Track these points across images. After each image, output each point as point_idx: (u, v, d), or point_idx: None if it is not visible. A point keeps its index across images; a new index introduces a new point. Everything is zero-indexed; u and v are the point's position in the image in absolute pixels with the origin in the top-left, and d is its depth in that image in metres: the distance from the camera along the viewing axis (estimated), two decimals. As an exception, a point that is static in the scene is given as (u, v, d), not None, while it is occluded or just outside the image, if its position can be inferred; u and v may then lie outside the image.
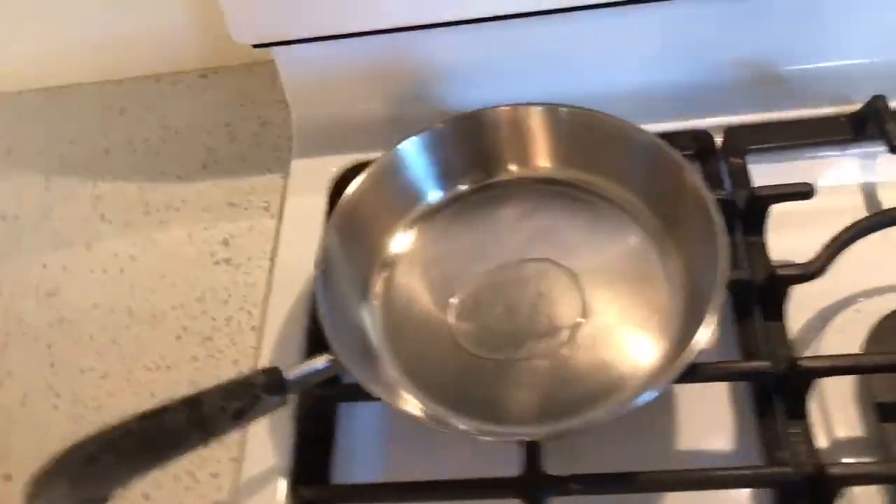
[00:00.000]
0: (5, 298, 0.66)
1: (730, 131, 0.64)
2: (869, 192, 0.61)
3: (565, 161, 0.59)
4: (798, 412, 0.50)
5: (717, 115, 0.64)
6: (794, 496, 0.48)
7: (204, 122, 0.74)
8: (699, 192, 0.52)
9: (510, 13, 0.63)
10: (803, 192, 0.56)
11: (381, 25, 0.64)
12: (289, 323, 0.60)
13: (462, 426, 0.49)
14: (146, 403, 0.56)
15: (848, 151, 0.62)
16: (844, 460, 0.49)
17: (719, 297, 0.47)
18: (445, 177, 0.61)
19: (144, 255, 0.67)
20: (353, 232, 0.57)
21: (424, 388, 0.53)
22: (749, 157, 0.62)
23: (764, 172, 0.61)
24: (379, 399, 0.50)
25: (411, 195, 0.61)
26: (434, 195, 0.61)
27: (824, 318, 0.56)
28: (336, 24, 0.63)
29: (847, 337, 0.54)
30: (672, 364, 0.47)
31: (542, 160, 0.60)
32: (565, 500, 0.49)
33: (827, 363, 0.50)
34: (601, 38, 0.65)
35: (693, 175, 0.53)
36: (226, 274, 0.65)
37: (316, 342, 0.58)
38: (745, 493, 0.50)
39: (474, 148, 0.60)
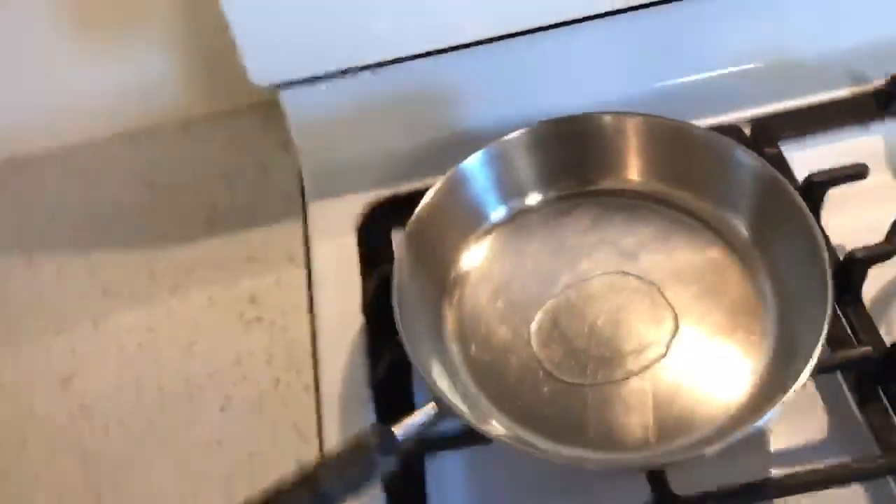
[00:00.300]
0: (11, 394, 0.59)
1: (757, 123, 0.63)
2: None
3: (656, 176, 0.57)
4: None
5: (740, 110, 0.64)
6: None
7: (197, 176, 0.69)
8: (808, 224, 0.50)
9: (514, 31, 0.62)
10: (859, 172, 0.56)
11: (388, 56, 0.61)
12: (347, 376, 0.56)
13: (590, 457, 0.46)
14: (206, 489, 0.52)
15: (874, 129, 0.63)
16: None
17: (819, 342, 0.46)
18: (510, 191, 0.58)
19: (163, 326, 0.61)
20: (421, 255, 0.54)
21: (523, 423, 0.49)
22: (781, 146, 0.62)
23: (798, 160, 0.61)
24: (486, 442, 0.46)
25: (476, 212, 0.58)
26: (499, 211, 0.58)
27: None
28: (347, 58, 0.60)
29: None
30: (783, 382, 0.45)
31: (630, 172, 0.58)
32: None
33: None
34: (612, 45, 0.64)
35: (801, 203, 0.51)
36: (261, 333, 0.60)
37: (384, 393, 0.54)
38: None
39: (545, 159, 0.58)
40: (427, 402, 0.46)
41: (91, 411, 0.58)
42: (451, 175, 0.55)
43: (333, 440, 0.53)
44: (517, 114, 0.62)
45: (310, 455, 0.53)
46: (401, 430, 0.44)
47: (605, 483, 0.49)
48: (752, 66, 0.65)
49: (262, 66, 0.57)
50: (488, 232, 0.58)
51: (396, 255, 0.53)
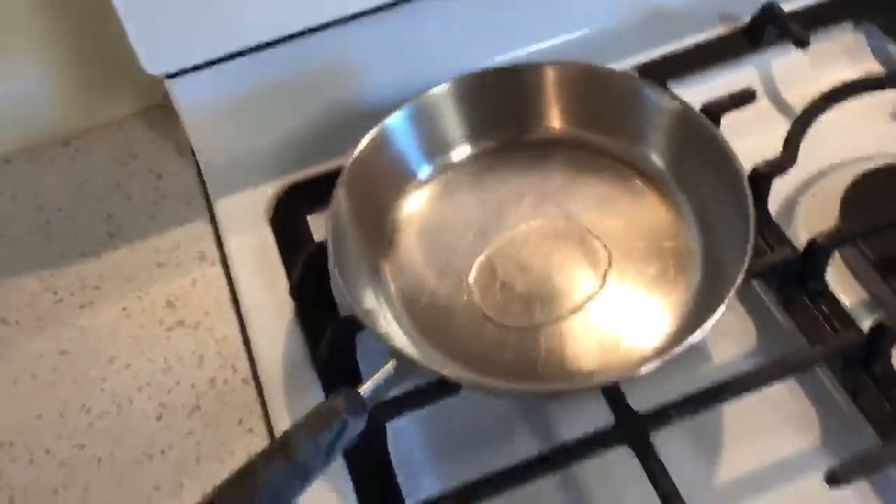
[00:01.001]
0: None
1: (643, 68, 0.66)
2: (782, 92, 0.65)
3: (574, 121, 0.58)
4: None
5: (624, 59, 0.66)
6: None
7: (87, 191, 0.65)
8: (731, 161, 0.51)
9: None
10: (748, 96, 0.59)
11: (277, 34, 0.60)
12: (287, 361, 0.54)
13: (546, 388, 0.46)
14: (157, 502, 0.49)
15: (747, 62, 0.67)
16: None
17: (747, 253, 0.47)
18: (437, 147, 0.58)
19: (77, 346, 0.57)
20: (354, 214, 0.53)
21: (476, 370, 0.49)
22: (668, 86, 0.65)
23: (685, 97, 0.64)
24: (450, 393, 0.46)
25: (404, 169, 0.57)
26: (426, 167, 0.58)
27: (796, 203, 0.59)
28: (232, 41, 0.58)
29: (823, 211, 0.57)
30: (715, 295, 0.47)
31: (550, 120, 0.59)
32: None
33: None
34: (494, 7, 0.65)
35: (725, 142, 0.53)
36: (186, 336, 0.57)
37: (329, 372, 0.53)
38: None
39: (468, 113, 0.58)
40: (385, 361, 0.45)
41: (13, 447, 0.53)
42: (376, 133, 0.55)
43: (283, 425, 0.51)
44: (414, 81, 0.62)
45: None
46: (366, 391, 0.43)
47: (566, 416, 0.49)
48: (629, 18, 0.67)
49: (154, 54, 0.54)
50: (418, 188, 0.57)
51: (331, 207, 0.52)
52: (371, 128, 0.61)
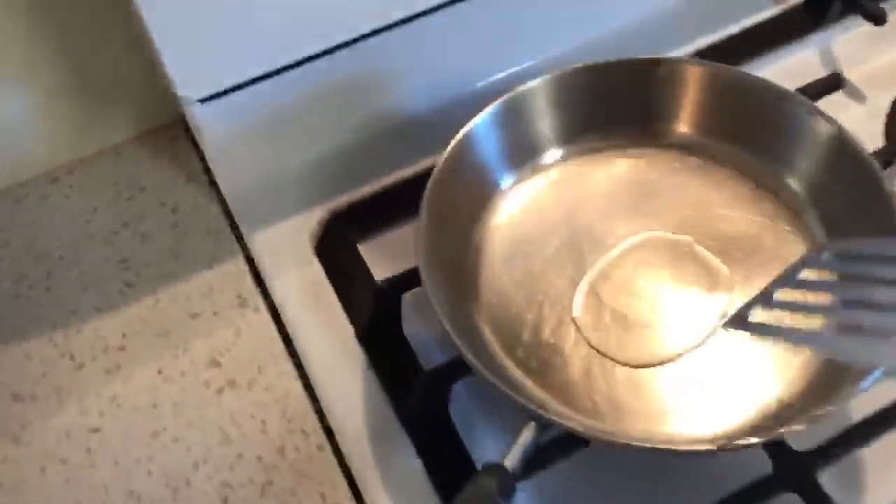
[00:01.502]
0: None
1: (700, 55, 0.60)
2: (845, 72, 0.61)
3: (695, 127, 0.51)
4: None
5: (677, 46, 0.61)
6: None
7: (92, 232, 0.56)
8: (887, 198, 0.45)
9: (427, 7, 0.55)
10: (838, 80, 0.54)
11: (307, 52, 0.52)
12: (367, 420, 0.47)
13: (707, 446, 0.40)
14: None
15: (811, 41, 0.62)
16: None
17: None
18: (527, 150, 0.51)
19: (111, 421, 0.49)
20: (441, 231, 0.47)
21: (603, 421, 0.43)
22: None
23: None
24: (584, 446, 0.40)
25: (490, 176, 0.51)
26: (513, 174, 0.51)
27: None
28: (262, 61, 0.50)
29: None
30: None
31: (667, 123, 0.52)
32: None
33: None
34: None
35: (882, 176, 0.46)
36: (240, 398, 0.49)
37: (421, 429, 0.46)
38: None
39: (571, 109, 0.51)
40: (523, 423, 0.39)
41: (50, 549, 0.45)
42: (459, 140, 0.48)
43: (378, 500, 0.44)
44: (452, 85, 0.57)
45: (354, 528, 0.44)
46: (513, 465, 0.37)
47: (711, 464, 0.44)
48: (681, 1, 0.62)
49: (190, 78, 0.46)
50: (502, 200, 0.51)
51: (416, 245, 0.45)
52: (416, 141, 0.55)
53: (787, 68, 0.60)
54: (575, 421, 0.42)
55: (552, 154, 0.52)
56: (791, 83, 0.55)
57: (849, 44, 0.61)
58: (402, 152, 0.56)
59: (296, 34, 0.50)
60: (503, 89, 0.51)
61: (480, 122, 0.48)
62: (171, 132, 0.60)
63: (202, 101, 0.48)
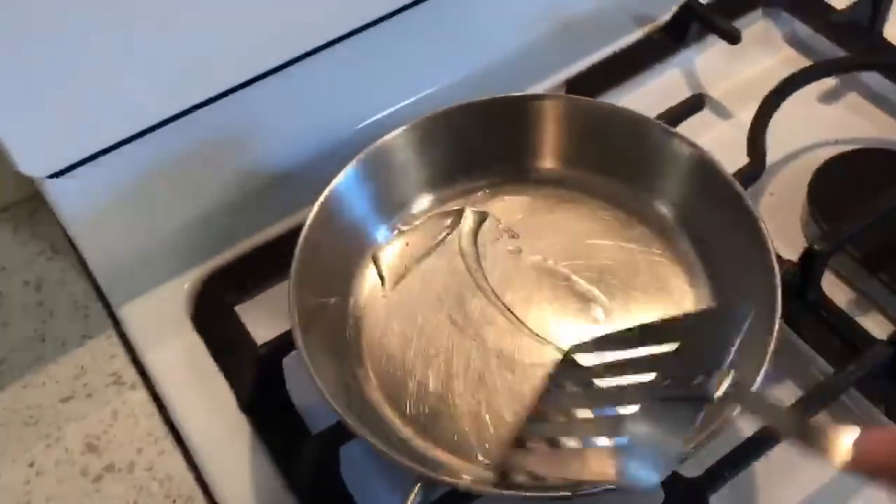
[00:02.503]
0: None
1: (570, 84, 0.61)
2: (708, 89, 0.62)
3: (563, 160, 0.51)
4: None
5: (546, 78, 0.61)
6: None
7: (-53, 320, 0.53)
8: (751, 214, 0.45)
9: (292, 57, 0.53)
10: (699, 101, 0.55)
11: (164, 115, 0.50)
12: (259, 492, 0.45)
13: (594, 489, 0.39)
14: None
15: (673, 62, 0.63)
16: None
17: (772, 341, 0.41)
18: (395, 203, 0.50)
19: (-19, 524, 0.46)
20: (316, 292, 0.45)
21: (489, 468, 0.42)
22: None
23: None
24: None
25: (362, 232, 0.49)
26: (388, 224, 0.51)
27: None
28: (114, 132, 0.48)
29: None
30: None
31: (532, 159, 0.52)
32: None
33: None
34: (408, 41, 0.58)
35: (745, 196, 0.46)
36: (120, 484, 0.47)
37: (316, 494, 0.45)
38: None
39: (437, 154, 0.50)
40: (411, 485, 0.37)
41: None
42: (325, 200, 0.46)
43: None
44: (318, 136, 0.56)
45: None
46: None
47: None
48: (544, 34, 0.62)
49: (32, 156, 0.43)
50: (378, 253, 0.50)
51: (290, 310, 0.43)
52: (289, 194, 0.53)
53: (653, 91, 0.61)
54: (461, 474, 0.41)
55: (425, 202, 0.51)
56: (659, 106, 0.56)
57: (709, 63, 0.63)
58: (275, 208, 0.55)
59: (148, 98, 0.48)
60: (378, 134, 0.50)
61: (344, 178, 0.47)
62: (31, 205, 0.57)
63: (51, 177, 0.45)
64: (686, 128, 0.54)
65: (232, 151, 0.54)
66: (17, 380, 0.50)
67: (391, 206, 0.50)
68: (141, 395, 0.50)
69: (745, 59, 0.63)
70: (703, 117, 0.59)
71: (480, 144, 0.51)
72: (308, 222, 0.46)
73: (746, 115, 0.57)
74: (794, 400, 0.45)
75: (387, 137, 0.49)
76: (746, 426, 0.45)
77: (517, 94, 0.52)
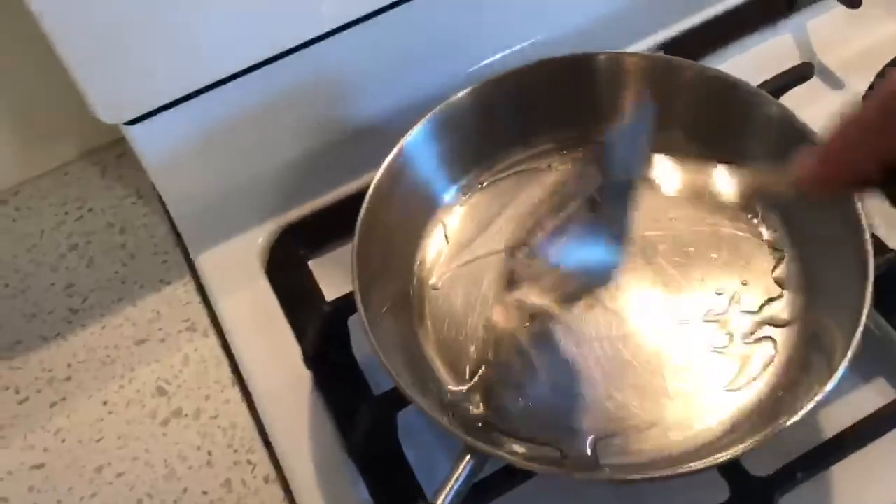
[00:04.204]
0: None
1: (667, 47, 0.57)
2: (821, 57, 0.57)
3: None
4: None
5: (646, 38, 0.58)
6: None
7: (38, 257, 0.55)
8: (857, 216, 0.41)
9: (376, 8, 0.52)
10: (807, 70, 0.51)
11: (246, 64, 0.49)
12: (315, 450, 0.45)
13: (658, 473, 0.38)
14: None
15: (783, 27, 0.59)
16: None
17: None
18: (465, 159, 0.49)
19: (55, 456, 0.47)
20: (383, 250, 0.44)
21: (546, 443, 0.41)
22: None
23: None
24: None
25: (431, 191, 0.48)
26: (456, 184, 0.49)
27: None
28: (199, 77, 0.48)
29: None
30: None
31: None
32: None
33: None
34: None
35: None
36: (187, 430, 0.47)
37: (369, 459, 0.44)
38: None
39: (513, 113, 0.49)
40: (460, 455, 0.36)
41: None
42: (393, 158, 0.45)
43: (324, 535, 0.43)
44: (404, 91, 0.54)
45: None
46: (444, 498, 0.35)
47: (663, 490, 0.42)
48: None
49: (109, 103, 0.44)
50: (446, 214, 0.48)
51: (352, 269, 0.42)
52: (370, 148, 0.52)
53: (758, 57, 0.58)
54: (515, 451, 0.40)
55: (494, 163, 0.50)
56: (763, 73, 0.52)
57: (823, 28, 0.58)
58: (356, 161, 0.54)
59: (231, 46, 0.48)
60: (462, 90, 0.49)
61: (413, 136, 0.46)
62: (120, 149, 0.58)
63: (130, 122, 0.46)
64: (792, 97, 0.51)
65: (314, 103, 0.53)
66: (97, 320, 0.52)
67: (460, 167, 0.49)
68: (212, 342, 0.50)
69: (864, 25, 0.58)
70: (811, 87, 0.55)
71: (552, 105, 0.48)
72: (376, 179, 0.45)
73: (861, 87, 0.53)
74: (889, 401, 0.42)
75: (455, 97, 0.47)
76: (828, 426, 0.42)
77: (587, 52, 0.49)
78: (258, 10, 0.47)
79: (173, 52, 0.45)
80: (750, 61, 0.57)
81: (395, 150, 0.45)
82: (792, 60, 0.55)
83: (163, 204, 0.55)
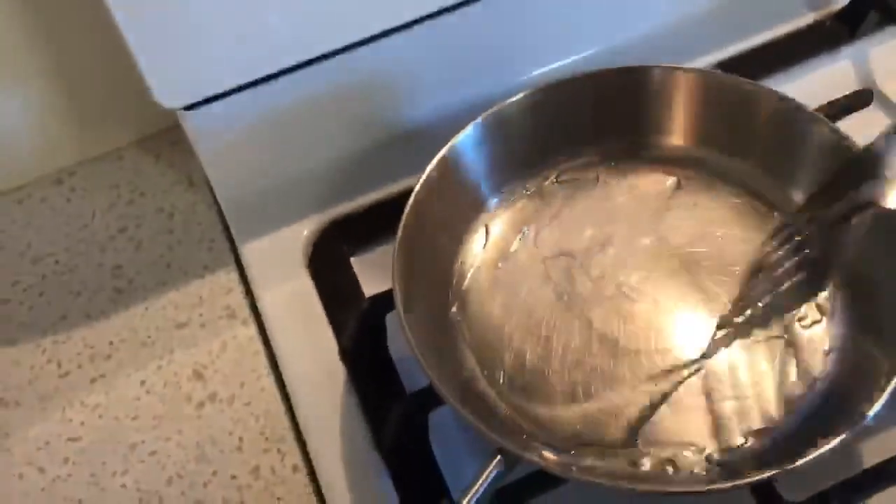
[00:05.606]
0: None
1: (724, 67, 0.57)
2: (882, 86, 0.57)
3: (694, 138, 0.49)
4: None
5: (702, 56, 0.57)
6: None
7: (88, 237, 0.56)
8: None
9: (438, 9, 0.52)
10: (867, 96, 0.51)
11: (302, 57, 0.50)
12: (345, 444, 0.45)
13: (693, 487, 0.38)
14: None
15: (844, 53, 0.58)
16: None
17: None
18: (512, 166, 0.49)
19: (91, 431, 0.48)
20: (423, 249, 0.45)
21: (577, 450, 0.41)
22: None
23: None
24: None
25: (475, 196, 0.48)
26: (501, 192, 0.49)
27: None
28: (256, 66, 0.49)
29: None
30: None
31: (661, 135, 0.49)
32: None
33: None
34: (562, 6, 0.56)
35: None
36: (220, 414, 0.48)
37: (398, 457, 0.44)
38: None
39: (557, 123, 0.49)
40: (491, 456, 0.36)
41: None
42: (441, 159, 0.46)
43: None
44: (459, 100, 0.54)
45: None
46: (470, 499, 0.35)
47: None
48: (706, 8, 0.58)
49: (169, 87, 0.45)
50: (489, 220, 0.49)
51: (393, 266, 0.42)
52: (419, 150, 0.52)
53: (816, 82, 0.57)
54: (547, 455, 0.39)
55: (541, 171, 0.50)
56: (820, 98, 0.51)
57: (885, 56, 0.57)
58: (404, 162, 0.54)
59: (291, 38, 0.49)
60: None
61: (462, 139, 0.46)
62: (173, 136, 0.59)
63: (187, 108, 0.47)
64: (850, 124, 0.50)
65: (366, 101, 0.54)
66: (141, 301, 0.53)
67: (506, 172, 0.49)
68: (251, 331, 0.51)
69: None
70: (870, 114, 0.54)
71: (602, 116, 0.49)
72: (422, 179, 0.45)
73: (924, 117, 0.52)
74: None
75: (507, 102, 0.47)
76: (867, 457, 0.41)
77: (642, 64, 0.49)
78: (324, 3, 0.47)
79: (236, 40, 0.45)
80: (808, 85, 0.56)
81: (443, 151, 0.46)
82: (851, 87, 0.55)
83: (212, 192, 0.56)
